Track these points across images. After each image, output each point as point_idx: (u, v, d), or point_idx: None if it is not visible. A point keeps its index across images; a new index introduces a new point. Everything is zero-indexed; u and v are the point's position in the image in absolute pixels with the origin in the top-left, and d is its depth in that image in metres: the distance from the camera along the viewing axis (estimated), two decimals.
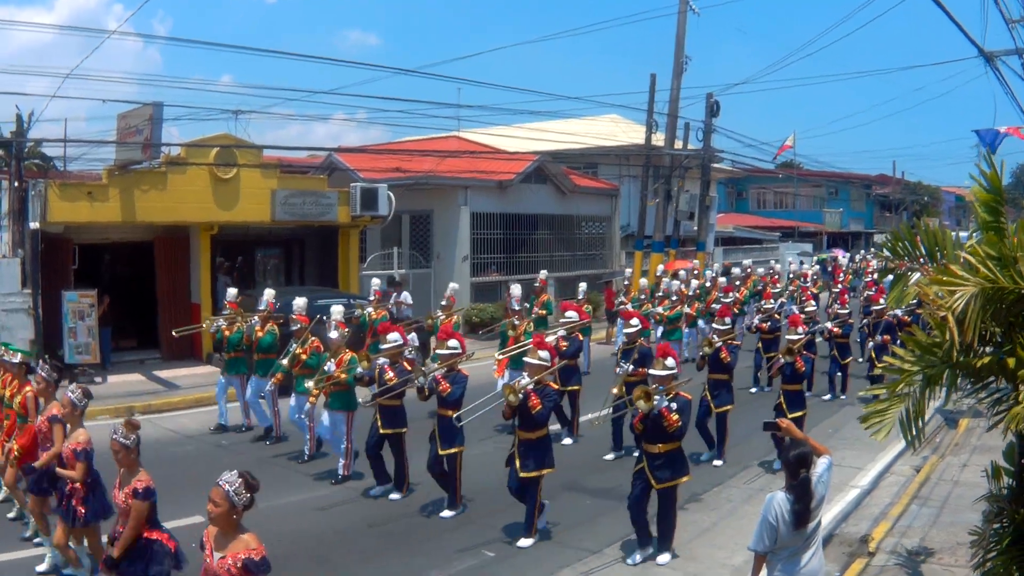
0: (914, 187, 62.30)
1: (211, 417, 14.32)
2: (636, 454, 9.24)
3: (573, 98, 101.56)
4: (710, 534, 9.58)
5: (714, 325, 13.64)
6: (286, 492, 10.67)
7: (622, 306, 19.39)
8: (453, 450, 9.82)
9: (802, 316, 17.13)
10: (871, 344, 16.93)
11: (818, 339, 17.46)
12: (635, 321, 12.98)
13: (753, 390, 17.36)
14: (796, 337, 12.59)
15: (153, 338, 19.94)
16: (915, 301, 17.10)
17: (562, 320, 13.89)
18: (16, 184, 17.10)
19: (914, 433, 6.87)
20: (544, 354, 9.28)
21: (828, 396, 17.08)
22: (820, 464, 5.96)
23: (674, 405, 8.39)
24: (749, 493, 11.04)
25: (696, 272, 26.40)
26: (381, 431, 10.43)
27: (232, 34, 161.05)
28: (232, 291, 15.48)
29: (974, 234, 7.09)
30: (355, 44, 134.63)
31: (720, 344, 12.50)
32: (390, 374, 10.35)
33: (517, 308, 15.19)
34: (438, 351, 10.34)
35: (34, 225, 16.86)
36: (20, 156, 18.13)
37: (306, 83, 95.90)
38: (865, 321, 17.43)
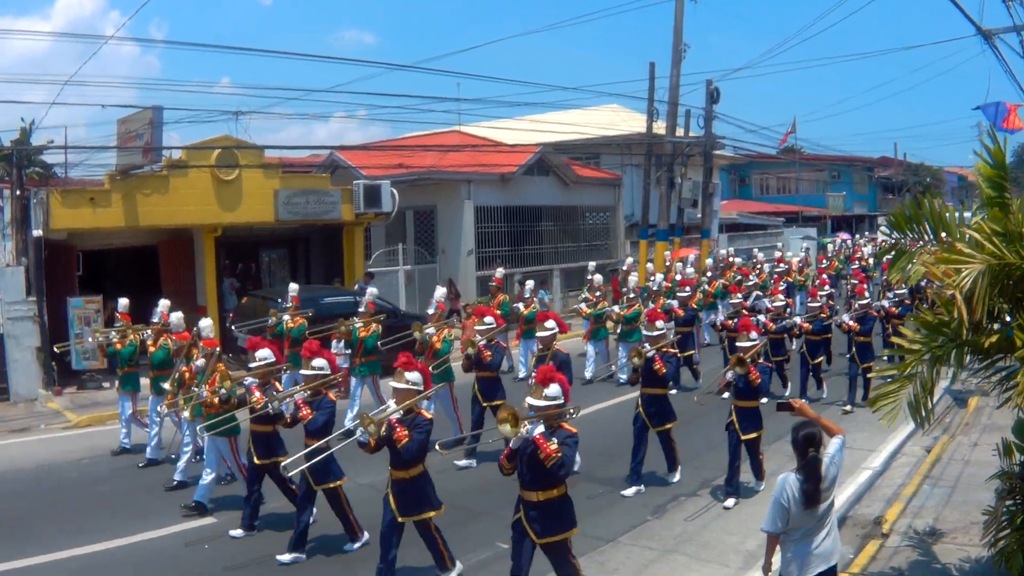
0: (916, 168, 62.00)
1: None
2: None
3: (573, 88, 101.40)
4: (722, 520, 9.57)
5: (644, 331, 11.54)
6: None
7: (586, 303, 18.21)
8: (329, 485, 8.58)
9: (768, 313, 15.54)
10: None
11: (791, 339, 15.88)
12: (550, 324, 11.49)
13: (726, 396, 15.63)
14: (748, 344, 10.54)
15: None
16: (905, 290, 16.54)
17: (478, 327, 12.09)
18: (18, 192, 17.14)
19: (923, 414, 6.87)
20: (414, 376, 7.69)
21: (824, 397, 15.30)
22: (832, 444, 5.93)
23: (555, 439, 6.52)
24: None
25: (670, 263, 24.48)
26: (256, 461, 9.18)
27: (229, 36, 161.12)
28: (123, 302, 14.43)
29: (978, 211, 7.07)
30: (352, 43, 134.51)
31: (653, 353, 10.62)
32: (257, 395, 9.04)
33: (432, 312, 13.46)
34: (302, 371, 8.94)
35: (37, 233, 16.88)
36: (21, 164, 18.16)
37: (305, 83, 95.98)
38: (844, 316, 15.22)
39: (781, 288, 19.05)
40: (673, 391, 14.77)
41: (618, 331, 17.15)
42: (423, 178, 24.86)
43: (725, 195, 47.15)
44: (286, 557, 8.51)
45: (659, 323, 11.18)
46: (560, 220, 29.16)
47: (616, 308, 17.42)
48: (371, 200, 21.10)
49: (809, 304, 16.20)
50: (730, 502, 10.03)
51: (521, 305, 17.48)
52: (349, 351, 13.70)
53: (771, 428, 13.17)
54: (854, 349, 14.80)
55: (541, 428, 6.51)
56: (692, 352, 16.55)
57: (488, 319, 12.16)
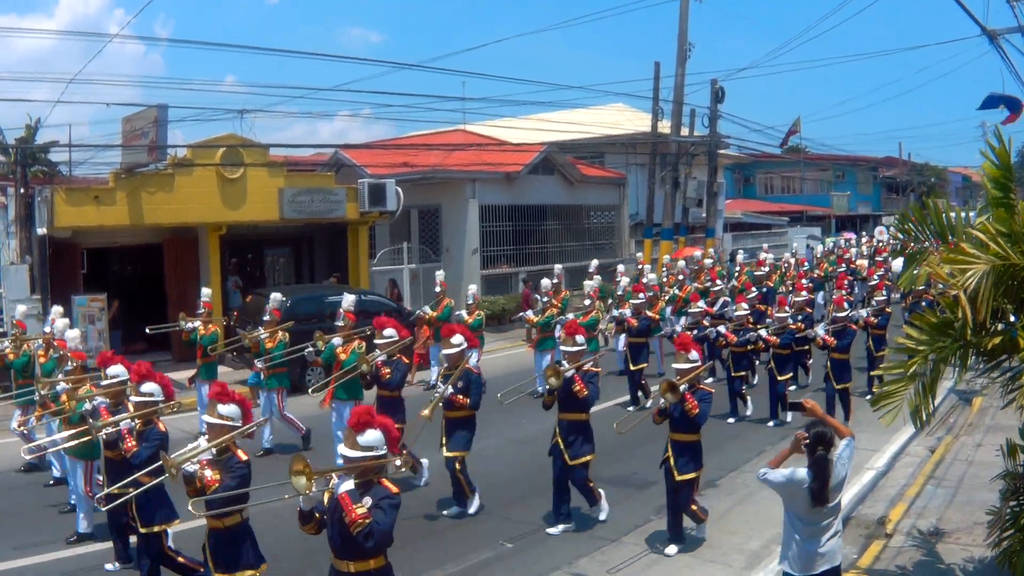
0: (921, 168, 62.00)
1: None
2: None
3: (578, 88, 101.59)
4: (725, 520, 9.54)
5: (563, 347, 9.61)
6: None
7: (548, 305, 16.43)
8: (154, 528, 7.38)
9: (732, 323, 14.54)
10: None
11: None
12: (457, 339, 9.72)
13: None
14: (686, 367, 8.64)
15: (164, 340, 19.99)
16: (885, 297, 15.91)
17: (378, 341, 10.44)
18: (22, 190, 17.18)
19: (923, 417, 6.89)
20: (228, 409, 6.34)
21: (772, 423, 13.64)
22: (841, 445, 5.96)
23: (368, 500, 5.22)
24: None
25: (641, 267, 22.46)
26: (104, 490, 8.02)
27: (234, 34, 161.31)
28: (21, 308, 13.42)
29: (983, 212, 7.08)
30: (357, 41, 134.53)
31: (572, 373, 9.00)
32: (104, 417, 7.89)
33: (340, 323, 11.98)
34: (131, 398, 7.81)
35: (41, 231, 16.94)
36: (25, 162, 18.22)
37: (310, 81, 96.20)
38: (819, 329, 13.89)
39: (751, 295, 16.84)
40: (631, 408, 14.32)
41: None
42: (428, 177, 24.88)
43: (729, 194, 47.05)
44: None
45: (579, 337, 9.36)
46: (565, 219, 29.17)
47: (571, 316, 15.12)
48: (376, 199, 21.11)
49: (776, 315, 14.34)
50: (671, 549, 8.60)
51: (464, 312, 16.11)
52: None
53: (775, 430, 13.26)
54: (828, 365, 13.27)
55: (349, 485, 5.22)
56: (643, 366, 14.99)
57: (388, 331, 10.41)
